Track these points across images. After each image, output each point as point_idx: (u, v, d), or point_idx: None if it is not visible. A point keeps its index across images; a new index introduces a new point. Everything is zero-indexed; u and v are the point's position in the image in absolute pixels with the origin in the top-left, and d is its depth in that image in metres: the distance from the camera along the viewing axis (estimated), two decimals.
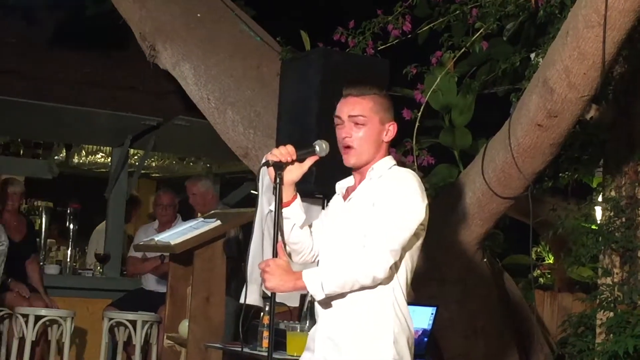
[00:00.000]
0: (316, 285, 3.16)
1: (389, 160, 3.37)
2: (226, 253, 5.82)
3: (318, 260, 3.46)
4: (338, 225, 3.36)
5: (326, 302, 3.26)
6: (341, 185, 3.47)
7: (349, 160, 3.35)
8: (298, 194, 3.40)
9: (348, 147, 3.34)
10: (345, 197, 3.41)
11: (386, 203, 3.20)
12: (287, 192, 3.35)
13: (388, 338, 3.19)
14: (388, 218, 3.18)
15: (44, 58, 8.68)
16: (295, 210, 3.38)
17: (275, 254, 3.27)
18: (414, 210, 3.22)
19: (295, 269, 3.28)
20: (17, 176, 8.69)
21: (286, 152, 3.33)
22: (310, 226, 3.47)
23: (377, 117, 3.34)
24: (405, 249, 3.24)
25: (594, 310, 4.76)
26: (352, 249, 3.22)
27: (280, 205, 3.32)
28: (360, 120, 3.33)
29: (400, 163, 5.13)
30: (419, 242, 3.32)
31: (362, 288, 3.18)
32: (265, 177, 3.47)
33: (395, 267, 3.22)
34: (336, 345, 3.25)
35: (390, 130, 3.37)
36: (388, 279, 3.21)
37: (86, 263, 8.94)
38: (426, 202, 3.26)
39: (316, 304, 3.32)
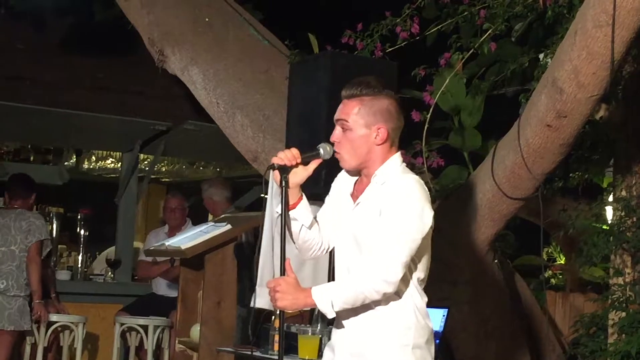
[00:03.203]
0: (326, 303, 3.16)
1: (395, 162, 3.31)
2: (237, 257, 5.82)
3: (330, 252, 3.47)
4: (347, 232, 3.34)
5: (343, 313, 3.26)
6: (349, 177, 3.42)
7: (341, 164, 3.35)
8: (304, 195, 3.39)
9: (337, 152, 3.33)
10: (354, 196, 3.38)
11: (392, 218, 3.17)
12: (293, 194, 3.34)
13: (407, 345, 3.20)
14: (394, 233, 3.15)
15: (53, 64, 8.68)
16: (302, 212, 3.37)
17: (282, 270, 3.26)
18: (420, 223, 3.19)
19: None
20: None
21: (291, 155, 3.32)
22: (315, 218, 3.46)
23: (363, 121, 3.26)
24: (414, 255, 3.21)
25: (606, 311, 4.75)
26: (360, 263, 3.22)
27: (286, 207, 3.32)
28: (345, 125, 3.29)
29: (410, 165, 5.14)
30: (429, 241, 3.28)
31: (372, 302, 3.19)
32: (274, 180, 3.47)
33: (408, 272, 3.21)
34: (356, 357, 3.26)
35: (380, 133, 3.27)
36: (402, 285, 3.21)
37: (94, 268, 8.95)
38: (432, 211, 3.23)
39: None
